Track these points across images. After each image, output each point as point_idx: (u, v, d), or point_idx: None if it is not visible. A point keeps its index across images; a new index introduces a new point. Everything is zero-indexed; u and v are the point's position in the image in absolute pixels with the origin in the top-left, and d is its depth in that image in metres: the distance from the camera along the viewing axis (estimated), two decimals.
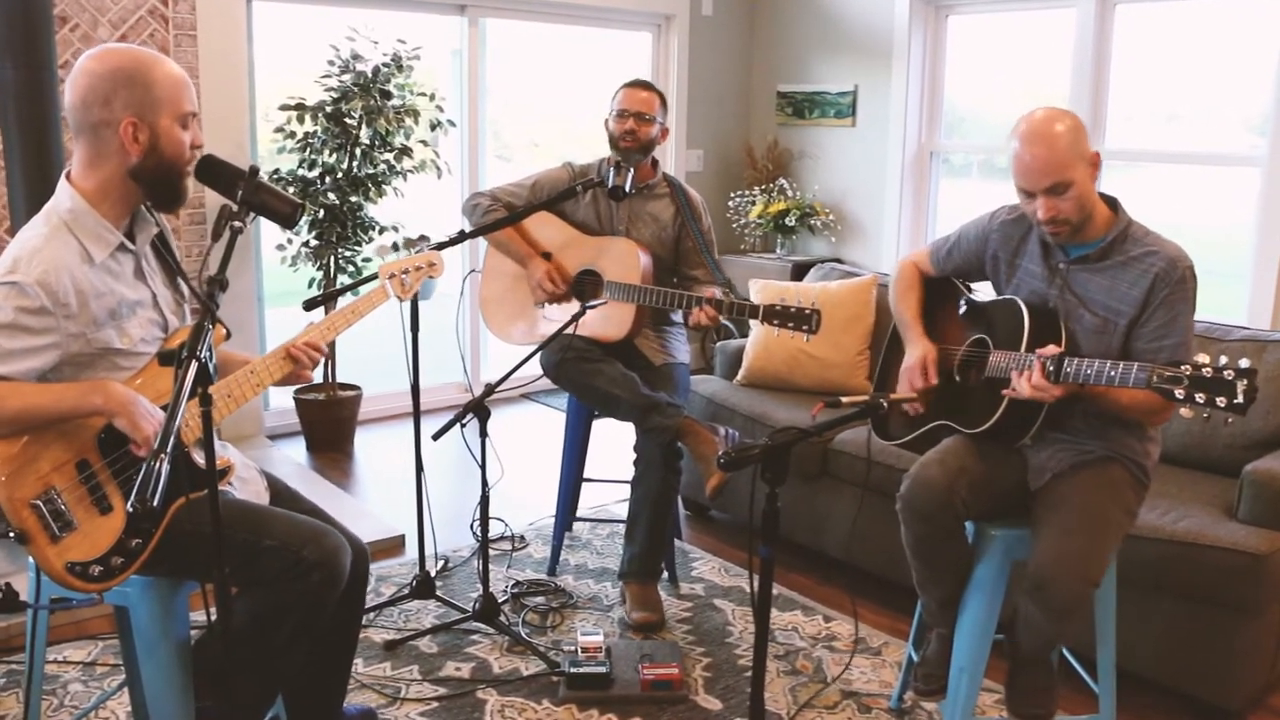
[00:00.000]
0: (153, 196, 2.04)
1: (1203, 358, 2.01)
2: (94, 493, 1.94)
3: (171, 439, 1.52)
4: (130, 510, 1.44)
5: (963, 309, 2.61)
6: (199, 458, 2.12)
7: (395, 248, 2.73)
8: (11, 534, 1.85)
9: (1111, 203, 2.39)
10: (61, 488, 1.89)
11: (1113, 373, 2.14)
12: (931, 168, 5.82)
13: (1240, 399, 1.94)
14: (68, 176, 2.02)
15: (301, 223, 4.59)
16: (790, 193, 6.16)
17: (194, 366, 1.62)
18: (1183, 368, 2.02)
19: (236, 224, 1.88)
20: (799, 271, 5.70)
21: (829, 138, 6.17)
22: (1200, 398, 1.99)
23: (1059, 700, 2.49)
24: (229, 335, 2.27)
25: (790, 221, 6.03)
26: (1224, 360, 1.99)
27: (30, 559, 2.10)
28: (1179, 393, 2.01)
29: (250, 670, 2.08)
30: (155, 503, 1.44)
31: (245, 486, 2.31)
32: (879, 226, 5.95)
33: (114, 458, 1.97)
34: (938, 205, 5.86)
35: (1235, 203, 4.70)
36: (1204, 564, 2.71)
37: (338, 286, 2.76)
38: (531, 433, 5.35)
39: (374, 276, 2.55)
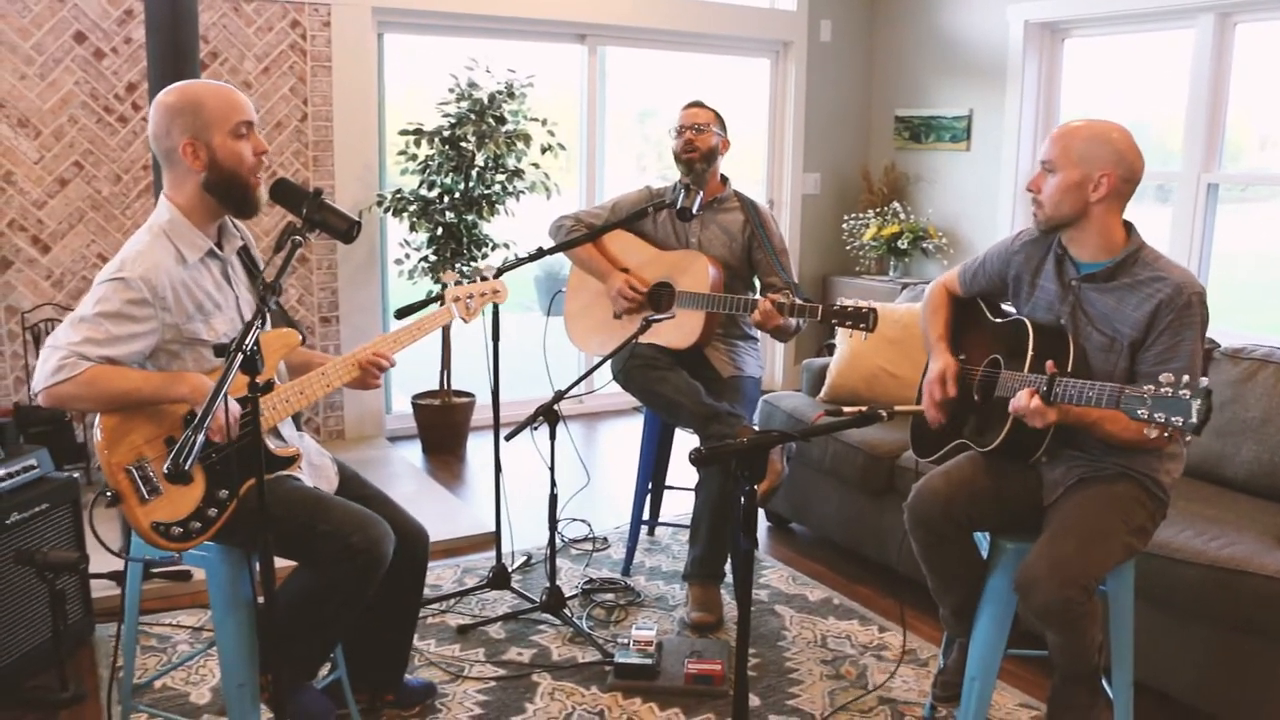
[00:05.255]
0: (227, 205, 2.34)
1: (1167, 378, 2.03)
2: None
3: (209, 418, 1.79)
4: (166, 471, 1.72)
5: (983, 330, 2.68)
6: (273, 444, 2.43)
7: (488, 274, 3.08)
8: (108, 494, 2.18)
9: (1127, 226, 2.44)
10: (151, 458, 2.21)
11: (1090, 393, 2.18)
12: None
13: (1194, 419, 1.96)
14: (166, 195, 2.35)
15: (421, 238, 4.96)
16: (903, 215, 6.21)
17: (239, 358, 1.89)
18: (1146, 388, 2.05)
19: (298, 238, 2.16)
20: None
21: (944, 161, 6.19)
22: (1160, 417, 2.02)
23: None
24: (304, 340, 2.56)
25: (903, 244, 6.08)
26: (1185, 380, 2.01)
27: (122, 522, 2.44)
28: (1142, 412, 2.05)
29: (299, 637, 2.36)
30: (187, 466, 1.71)
31: (318, 473, 2.60)
32: None
33: None
34: None
35: None
36: (1244, 591, 2.68)
37: (423, 299, 3.06)
38: (635, 441, 5.53)
39: (440, 298, 2.84)
